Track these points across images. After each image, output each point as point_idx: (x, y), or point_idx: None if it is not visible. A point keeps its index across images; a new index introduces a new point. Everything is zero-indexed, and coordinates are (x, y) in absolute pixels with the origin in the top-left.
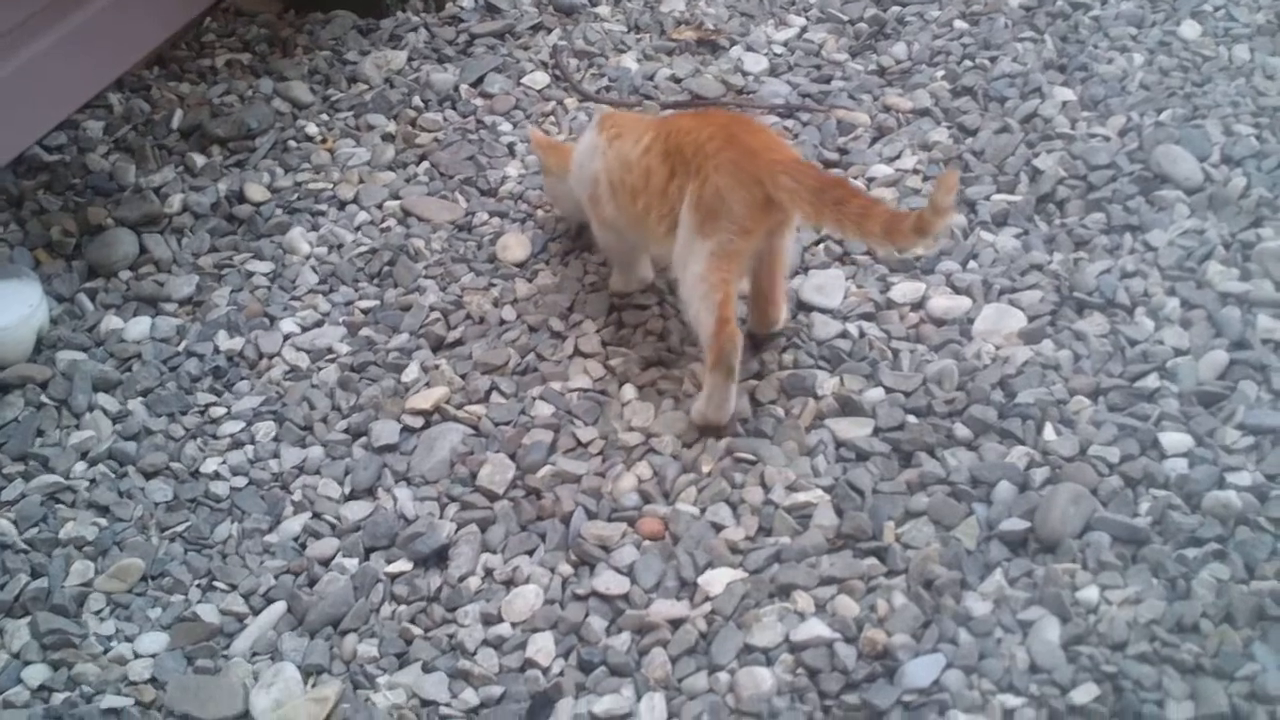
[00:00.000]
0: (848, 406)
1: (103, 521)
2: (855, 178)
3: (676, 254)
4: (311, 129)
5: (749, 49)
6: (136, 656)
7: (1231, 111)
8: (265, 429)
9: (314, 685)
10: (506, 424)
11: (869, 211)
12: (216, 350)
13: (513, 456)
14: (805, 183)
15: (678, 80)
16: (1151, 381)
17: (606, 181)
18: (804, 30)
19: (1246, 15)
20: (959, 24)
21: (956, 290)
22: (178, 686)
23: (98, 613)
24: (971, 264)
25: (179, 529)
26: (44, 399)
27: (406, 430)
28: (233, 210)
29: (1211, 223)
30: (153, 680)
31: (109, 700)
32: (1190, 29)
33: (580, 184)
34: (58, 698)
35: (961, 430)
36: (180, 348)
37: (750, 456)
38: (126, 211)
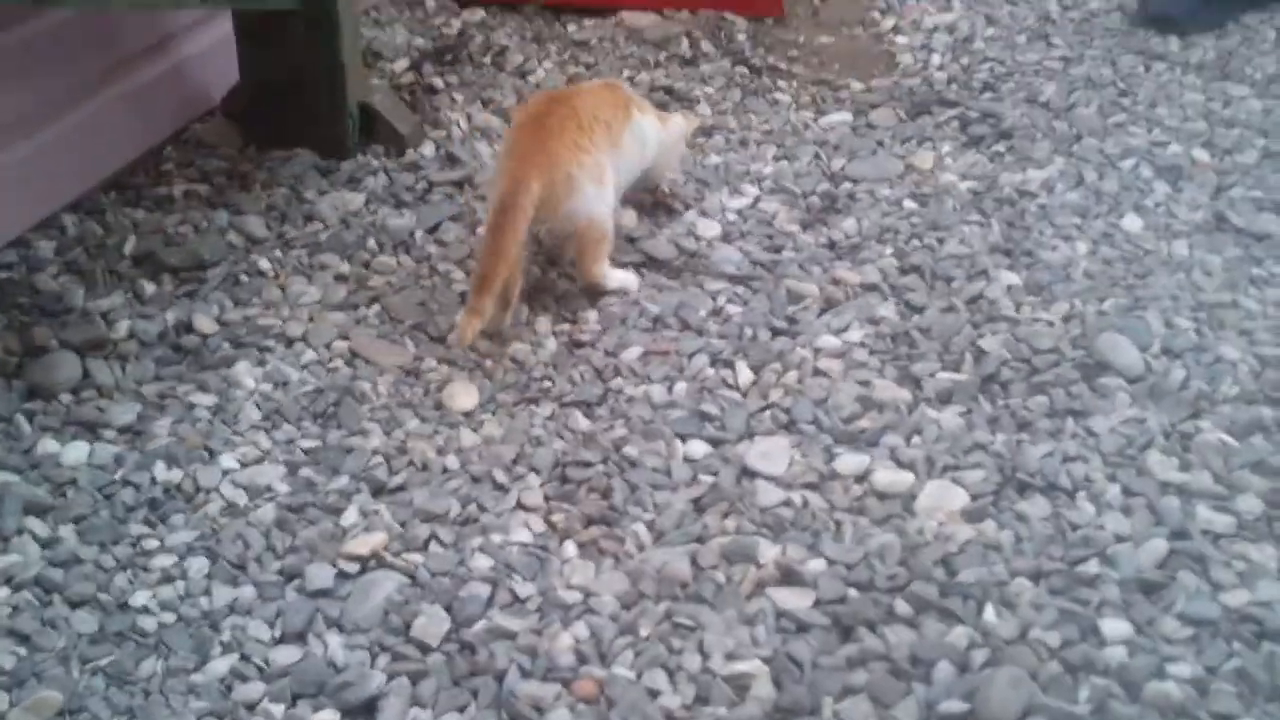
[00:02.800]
0: (789, 576)
1: (22, 650)
2: (803, 348)
3: None
4: (264, 264)
5: (703, 214)
6: None
7: (1172, 304)
8: (198, 565)
9: None
10: (444, 575)
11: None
12: (154, 481)
13: (448, 609)
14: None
15: (631, 239)
16: (1093, 567)
17: None
18: (757, 200)
19: (1186, 213)
20: (908, 203)
21: (900, 465)
22: None
23: None
24: (915, 439)
25: (102, 663)
26: None
27: (342, 575)
28: (180, 340)
29: (1152, 412)
30: None
31: None
32: (1133, 222)
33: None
34: None
35: (902, 607)
36: (117, 476)
37: (689, 622)
38: (72, 334)
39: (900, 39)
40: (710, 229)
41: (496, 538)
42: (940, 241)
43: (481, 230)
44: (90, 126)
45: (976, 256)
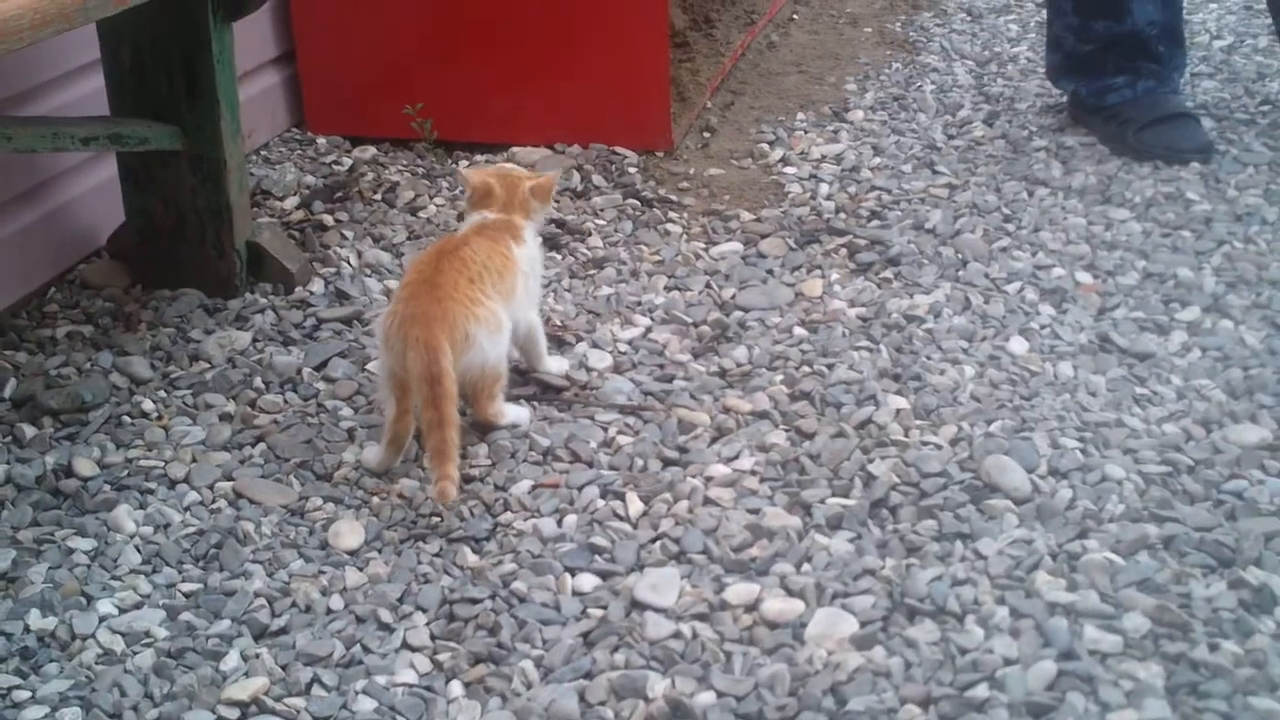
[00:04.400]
0: (678, 710)
1: None
2: (694, 477)
3: None
4: (148, 405)
5: (595, 345)
6: None
7: (1058, 425)
8: (71, 715)
9: None
10: (326, 719)
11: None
12: (27, 629)
13: None
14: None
15: (521, 372)
16: (982, 691)
17: None
18: (649, 330)
19: (1070, 334)
20: (798, 330)
21: (790, 593)
22: None
23: None
24: (805, 567)
25: None
26: None
27: None
28: (59, 484)
29: (1039, 533)
30: None
31: None
32: (1019, 345)
33: None
34: None
35: None
36: None
37: None
38: None
39: (789, 169)
40: (602, 360)
41: (381, 679)
42: (830, 368)
43: (371, 367)
44: None
45: (865, 382)
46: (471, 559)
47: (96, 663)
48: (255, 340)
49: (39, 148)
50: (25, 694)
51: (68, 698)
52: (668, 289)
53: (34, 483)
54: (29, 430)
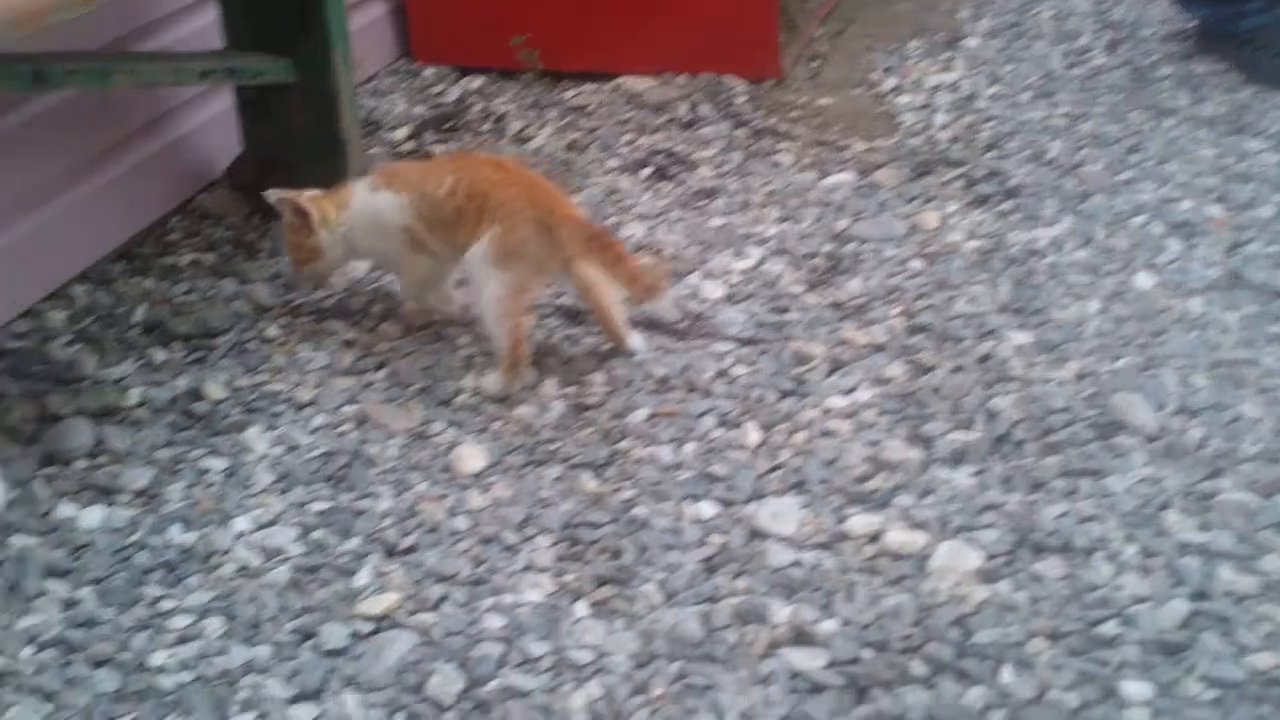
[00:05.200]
0: (802, 637)
1: (48, 708)
2: (812, 408)
3: (472, 269)
4: (272, 331)
5: (707, 276)
6: None
7: (1187, 363)
8: (214, 625)
9: None
10: (457, 634)
11: (621, 260)
12: (169, 544)
13: (462, 667)
14: (582, 231)
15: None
16: (1111, 628)
17: (423, 224)
18: (761, 261)
19: (1200, 270)
20: (914, 263)
21: (913, 525)
22: None
23: None
24: (928, 499)
25: None
26: None
27: (356, 635)
28: (190, 407)
29: (1169, 471)
30: None
31: None
32: (1145, 280)
33: (386, 235)
34: None
35: (918, 667)
36: (133, 539)
37: (703, 682)
38: (85, 401)
39: (902, 99)
40: (715, 291)
41: (508, 598)
42: (948, 301)
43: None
44: (98, 199)
45: (985, 316)
46: (591, 485)
47: (235, 576)
48: (373, 268)
49: (161, 82)
50: (171, 604)
51: (210, 608)
52: (780, 220)
53: (167, 405)
54: (159, 354)
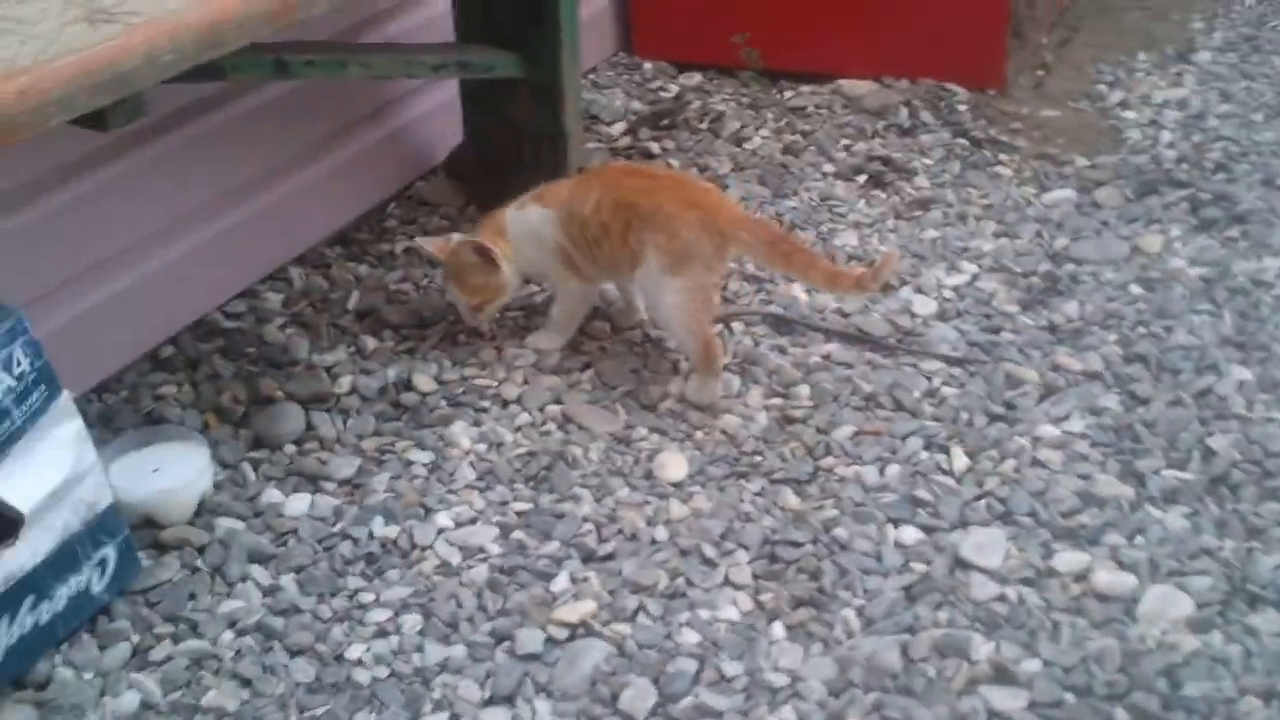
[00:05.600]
0: (1003, 675)
1: (245, 694)
2: (1021, 435)
3: (646, 285)
4: (481, 325)
5: (919, 291)
6: None
7: None
8: (412, 621)
9: None
10: (651, 647)
11: (812, 264)
12: (371, 536)
13: (655, 682)
14: (760, 237)
15: (845, 314)
16: None
17: (569, 241)
18: (975, 278)
19: None
20: (1134, 288)
21: (1122, 566)
22: None
23: None
24: (1138, 540)
25: (318, 712)
26: (199, 564)
27: (550, 641)
28: (399, 397)
29: None
30: None
31: None
32: None
33: (545, 248)
34: None
35: (1122, 716)
36: (336, 529)
37: (899, 715)
38: (297, 386)
39: (1128, 114)
40: (926, 306)
41: (704, 613)
42: (1167, 330)
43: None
44: (321, 184)
45: (1206, 348)
46: (793, 501)
47: (435, 573)
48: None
49: (393, 74)
50: (370, 596)
51: (409, 604)
52: (996, 235)
53: (376, 394)
54: (371, 342)
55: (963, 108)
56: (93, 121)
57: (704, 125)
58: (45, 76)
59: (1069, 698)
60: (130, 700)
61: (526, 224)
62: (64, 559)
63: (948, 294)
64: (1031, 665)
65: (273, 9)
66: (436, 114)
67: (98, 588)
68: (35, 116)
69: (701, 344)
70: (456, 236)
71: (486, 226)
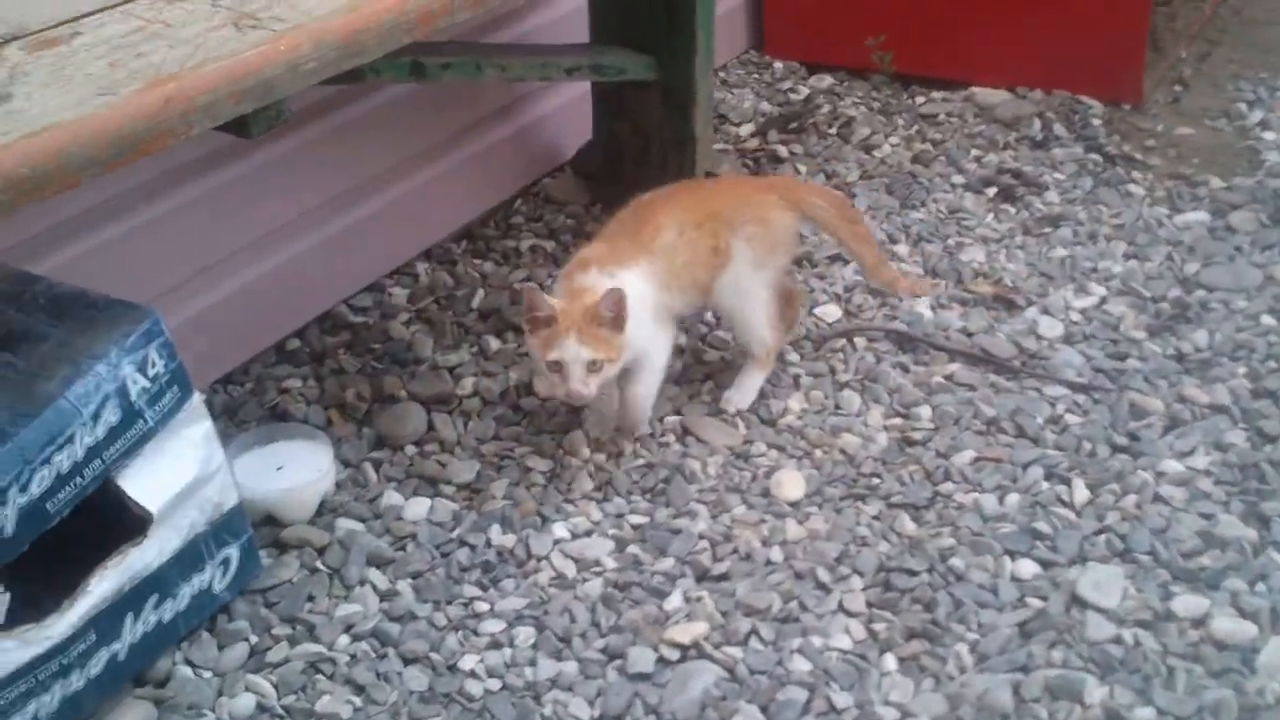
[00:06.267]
0: None
1: (358, 701)
2: (1144, 470)
3: (731, 289)
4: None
5: (1045, 312)
6: None
7: None
8: (525, 634)
9: None
10: (762, 673)
11: (867, 242)
12: (489, 544)
13: (765, 710)
14: (830, 202)
15: (969, 334)
16: None
17: (663, 287)
18: (1103, 301)
19: None
20: (1266, 319)
21: (1243, 613)
22: None
23: None
24: (1260, 586)
25: None
26: (319, 565)
27: (662, 661)
28: (519, 401)
29: None
30: None
31: None
32: None
33: (640, 320)
34: None
35: None
36: (454, 535)
37: None
38: (420, 387)
39: (1268, 135)
40: (1052, 328)
41: (816, 640)
42: None
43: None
44: (450, 178)
45: None
46: (910, 527)
47: (550, 585)
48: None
49: (528, 76)
50: (485, 606)
51: (523, 616)
52: (1126, 256)
53: (498, 397)
54: (494, 343)
55: (1096, 122)
56: (235, 128)
57: (833, 130)
58: (192, 84)
59: None
60: (247, 702)
61: (633, 291)
62: (189, 558)
63: (1075, 316)
64: (1145, 713)
65: (416, 18)
66: (566, 111)
67: (219, 587)
68: (180, 124)
69: (776, 340)
70: (555, 301)
71: (568, 288)
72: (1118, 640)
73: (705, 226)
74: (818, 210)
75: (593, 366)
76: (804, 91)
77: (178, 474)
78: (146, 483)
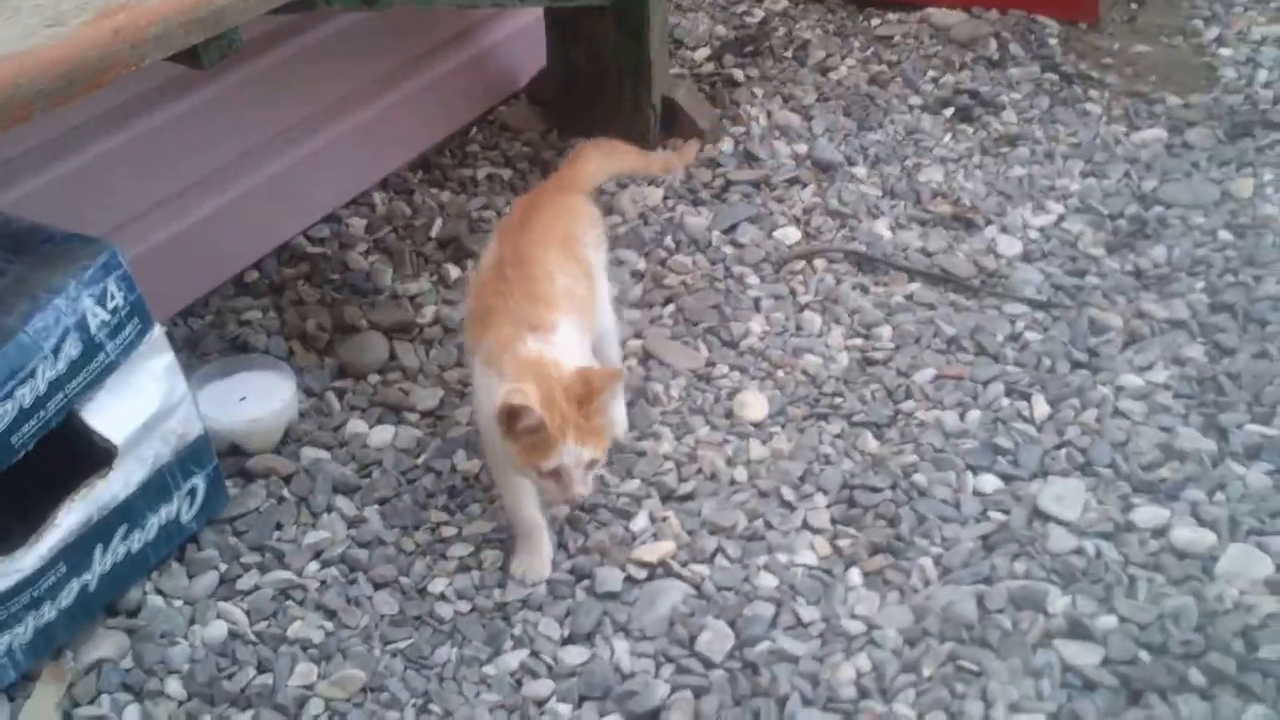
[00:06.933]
0: (1078, 630)
1: (329, 625)
2: (1104, 385)
3: (604, 306)
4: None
5: (1004, 231)
6: None
7: None
8: (493, 557)
9: None
10: (729, 590)
11: (632, 154)
12: (454, 469)
13: (732, 625)
14: (592, 156)
15: (928, 254)
16: None
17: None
18: (1061, 219)
19: None
20: (1224, 234)
21: (1201, 522)
22: None
23: (316, 718)
24: (1219, 496)
25: (401, 645)
26: (285, 493)
27: (630, 580)
28: None
29: None
30: None
31: None
32: None
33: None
34: None
35: (1196, 676)
36: (419, 461)
37: (973, 667)
38: (380, 316)
39: (1224, 51)
40: (1011, 246)
41: (782, 557)
42: (1256, 279)
43: None
44: (404, 107)
45: None
46: (872, 445)
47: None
48: (666, 198)
49: (480, 4)
50: (452, 530)
51: (490, 539)
52: (1084, 174)
53: (458, 325)
54: (454, 271)
55: (1053, 41)
56: (187, 58)
57: (789, 53)
58: (141, 14)
59: (1144, 655)
60: (218, 629)
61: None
62: (155, 489)
63: (1033, 235)
64: (1107, 621)
65: None
66: (520, 38)
67: (187, 517)
68: (131, 55)
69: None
70: (527, 389)
71: (519, 369)
72: (1079, 551)
73: (570, 252)
74: (598, 175)
75: (591, 464)
76: (759, 15)
77: (141, 406)
78: (110, 415)
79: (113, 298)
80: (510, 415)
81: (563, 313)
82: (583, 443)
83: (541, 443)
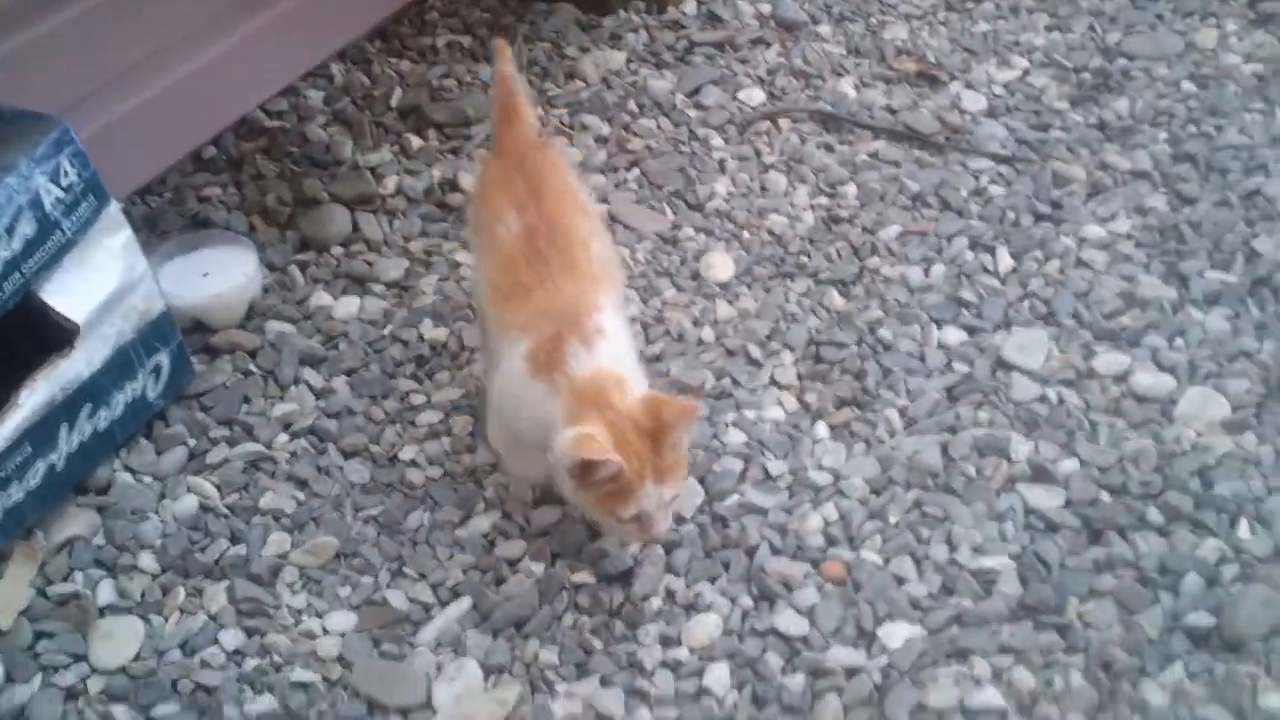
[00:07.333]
0: (1040, 474)
1: (301, 495)
2: (1067, 236)
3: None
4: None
5: (969, 86)
6: (325, 633)
7: None
8: (462, 423)
9: (495, 685)
10: (698, 447)
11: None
12: (421, 338)
13: (702, 481)
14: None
15: (893, 111)
16: None
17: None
18: (1026, 73)
19: None
20: (1186, 85)
21: (1161, 368)
22: (364, 670)
23: (291, 585)
24: (1178, 341)
25: (373, 511)
26: (252, 367)
27: None
28: (445, 198)
29: None
30: (340, 659)
31: (298, 673)
32: None
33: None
34: (249, 664)
35: (1154, 515)
36: (386, 331)
37: (938, 513)
38: (341, 188)
39: None
40: (976, 102)
41: (750, 413)
42: (1218, 129)
43: None
44: None
45: (1256, 149)
46: (838, 302)
47: (483, 374)
48: (629, 61)
49: None
50: (421, 398)
51: (459, 406)
52: (1048, 29)
53: (422, 195)
54: (415, 141)
55: None
56: None
57: None
58: None
59: (1104, 496)
60: (189, 503)
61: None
62: (119, 366)
63: (998, 90)
64: (1069, 465)
65: None
66: None
67: (153, 394)
68: None
69: None
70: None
71: (579, 402)
72: (1042, 399)
73: (585, 209)
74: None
75: (673, 500)
76: None
77: (101, 284)
78: (70, 294)
79: (66, 175)
80: (585, 469)
81: (604, 291)
82: (662, 482)
83: (620, 490)
